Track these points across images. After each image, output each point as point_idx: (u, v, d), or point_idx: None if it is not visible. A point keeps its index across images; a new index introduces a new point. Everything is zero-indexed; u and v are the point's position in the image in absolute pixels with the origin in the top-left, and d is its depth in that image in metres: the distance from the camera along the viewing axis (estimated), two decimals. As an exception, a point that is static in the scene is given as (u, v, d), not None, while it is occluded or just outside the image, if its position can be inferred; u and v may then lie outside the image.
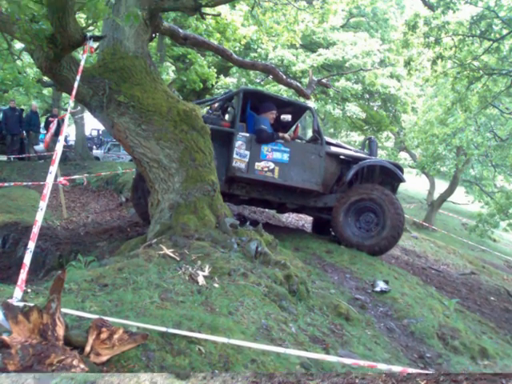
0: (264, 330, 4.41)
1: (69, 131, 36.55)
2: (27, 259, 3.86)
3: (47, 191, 4.29)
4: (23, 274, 3.73)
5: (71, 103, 7.43)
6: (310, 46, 28.36)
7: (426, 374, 3.58)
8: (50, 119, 20.96)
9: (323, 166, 10.24)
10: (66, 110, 8.32)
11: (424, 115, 26.53)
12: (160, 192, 7.19)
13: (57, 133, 15.72)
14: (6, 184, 12.84)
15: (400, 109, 28.14)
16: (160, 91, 7.47)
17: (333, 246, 10.05)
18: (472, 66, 14.47)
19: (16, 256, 10.58)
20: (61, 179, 11.75)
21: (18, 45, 17.29)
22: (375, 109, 29.14)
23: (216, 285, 5.02)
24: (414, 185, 39.37)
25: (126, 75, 7.27)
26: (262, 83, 27.26)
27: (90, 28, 11.41)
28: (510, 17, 12.43)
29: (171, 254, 5.57)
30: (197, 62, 19.76)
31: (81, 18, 10.61)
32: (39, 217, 4.15)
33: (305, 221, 15.33)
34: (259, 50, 24.16)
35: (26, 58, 20.60)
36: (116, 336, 3.05)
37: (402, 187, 15.58)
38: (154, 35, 9.38)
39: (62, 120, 15.76)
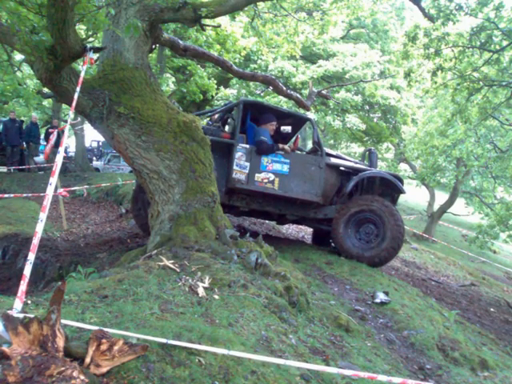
0: (264, 341, 4.41)
1: (69, 142, 36.62)
2: (27, 270, 3.86)
3: (47, 202, 4.29)
4: (23, 286, 3.73)
5: (71, 114, 7.42)
6: (310, 57, 28.46)
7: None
8: (50, 130, 20.96)
9: (323, 178, 10.25)
10: (66, 121, 8.35)
11: (424, 126, 26.58)
12: (160, 203, 7.19)
13: (57, 144, 15.76)
14: (5, 195, 12.85)
15: (400, 120, 28.17)
16: (160, 102, 7.48)
17: (333, 258, 10.06)
18: (472, 77, 14.48)
19: (16, 267, 10.59)
20: (61, 190, 11.79)
21: (18, 56, 17.37)
22: (375, 120, 29.19)
23: (216, 296, 5.02)
24: (414, 196, 39.46)
25: (126, 86, 7.29)
26: (261, 94, 27.35)
27: (90, 39, 11.53)
28: (510, 28, 12.45)
29: (171, 266, 5.57)
30: (197, 74, 19.80)
31: (81, 29, 10.68)
32: (39, 228, 4.15)
33: (305, 232, 15.33)
34: (259, 61, 24.26)
35: (26, 69, 20.73)
36: (116, 347, 3.04)
37: (402, 198, 15.60)
38: (153, 46, 9.42)
39: (62, 131, 15.78)
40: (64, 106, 25.15)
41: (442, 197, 32.26)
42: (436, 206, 28.48)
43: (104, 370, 3.01)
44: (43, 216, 4.22)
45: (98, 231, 13.03)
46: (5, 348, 2.78)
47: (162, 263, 5.60)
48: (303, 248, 11.05)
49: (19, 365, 2.67)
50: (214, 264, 5.86)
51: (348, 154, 36.92)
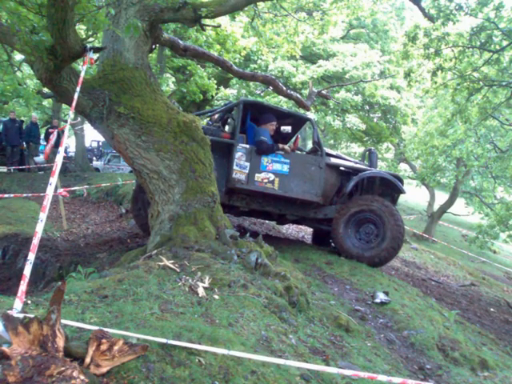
0: (264, 341, 4.40)
1: (69, 142, 36.61)
2: (27, 270, 3.86)
3: (47, 202, 4.29)
4: (23, 286, 3.72)
5: (71, 114, 7.41)
6: (310, 57, 28.44)
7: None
8: (50, 130, 20.96)
9: (323, 178, 10.24)
10: (66, 121, 8.34)
11: (424, 126, 26.57)
12: (160, 203, 7.18)
13: (57, 144, 15.75)
14: (5, 195, 12.84)
15: (400, 120, 28.15)
16: (160, 102, 7.47)
17: (333, 258, 10.05)
18: (472, 77, 14.47)
19: (16, 267, 10.59)
20: (61, 190, 11.78)
21: (18, 56, 17.38)
22: (375, 120, 29.17)
23: (216, 296, 5.01)
24: (414, 196, 39.45)
25: (126, 86, 7.28)
26: (261, 94, 27.32)
27: (90, 39, 11.53)
28: (510, 28, 12.44)
29: (171, 266, 5.56)
30: (197, 74, 19.78)
31: (81, 29, 10.67)
32: (39, 228, 4.15)
33: (305, 232, 15.32)
34: (259, 61, 24.25)
35: (26, 69, 20.74)
36: (116, 347, 3.04)
37: (402, 198, 15.58)
38: (153, 46, 9.40)
39: (62, 131, 15.76)
40: (64, 106, 25.14)
41: (441, 197, 32.26)
42: (436, 206, 28.48)
43: (104, 369, 3.00)
44: (43, 216, 4.21)
45: (98, 231, 13.02)
46: (5, 348, 2.78)
47: (162, 263, 5.60)
48: (303, 248, 11.04)
49: (19, 365, 2.67)
50: (214, 264, 5.86)
51: (348, 154, 36.92)
